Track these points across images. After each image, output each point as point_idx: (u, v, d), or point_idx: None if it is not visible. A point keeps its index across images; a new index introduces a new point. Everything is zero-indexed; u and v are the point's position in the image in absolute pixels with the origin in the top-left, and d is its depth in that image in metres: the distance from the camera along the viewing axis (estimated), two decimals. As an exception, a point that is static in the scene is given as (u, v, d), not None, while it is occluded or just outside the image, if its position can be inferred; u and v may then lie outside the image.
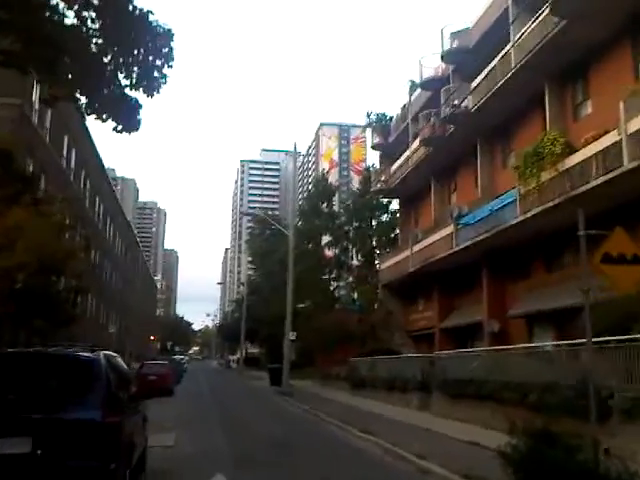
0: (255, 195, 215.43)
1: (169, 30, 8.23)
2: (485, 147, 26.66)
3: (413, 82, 32.42)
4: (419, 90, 32.30)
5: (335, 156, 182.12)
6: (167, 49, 8.17)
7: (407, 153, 33.25)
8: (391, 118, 36.86)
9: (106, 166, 65.81)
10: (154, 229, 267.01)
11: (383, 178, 36.38)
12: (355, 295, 51.85)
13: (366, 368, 26.27)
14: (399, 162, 34.47)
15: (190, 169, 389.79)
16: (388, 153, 37.22)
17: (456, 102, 25.32)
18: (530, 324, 23.79)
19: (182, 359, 63.79)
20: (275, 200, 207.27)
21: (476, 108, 24.72)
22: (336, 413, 18.65)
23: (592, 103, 19.69)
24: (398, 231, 49.52)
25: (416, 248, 31.37)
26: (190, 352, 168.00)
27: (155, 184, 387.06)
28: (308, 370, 42.15)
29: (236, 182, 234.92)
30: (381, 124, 36.70)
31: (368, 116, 37.02)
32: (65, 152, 33.17)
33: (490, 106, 24.15)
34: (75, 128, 34.65)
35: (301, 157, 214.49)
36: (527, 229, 21.20)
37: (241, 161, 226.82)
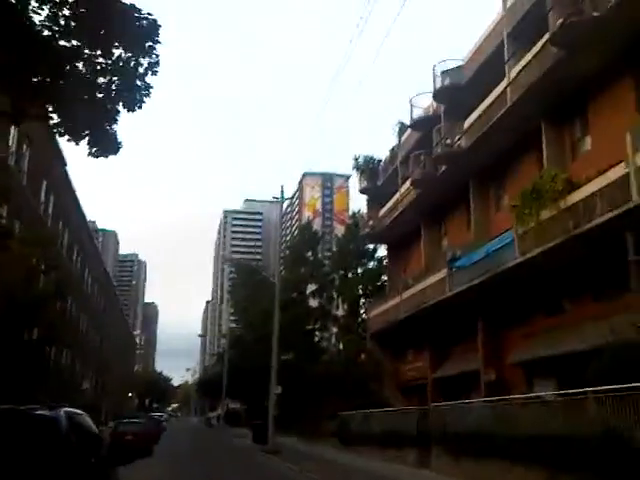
0: (238, 245, 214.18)
1: (154, 21, 7.18)
2: (478, 188, 25.93)
3: (402, 124, 31.94)
4: (409, 131, 31.80)
5: (318, 205, 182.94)
6: (151, 45, 7.09)
7: (396, 196, 32.51)
8: (379, 161, 36.24)
9: (87, 218, 64.65)
10: (134, 282, 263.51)
11: (371, 223, 35.49)
12: (341, 346, 50.18)
13: (357, 422, 24.70)
14: (388, 206, 33.69)
15: (171, 220, 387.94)
16: (376, 197, 36.47)
17: (448, 141, 24.65)
18: (529, 372, 22.51)
19: (161, 416, 61.07)
20: (258, 250, 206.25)
21: (469, 147, 24.09)
22: (329, 474, 17.11)
23: (592, 139, 19.04)
24: (386, 278, 48.70)
25: (406, 295, 30.26)
26: (169, 409, 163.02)
27: (136, 236, 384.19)
28: (294, 425, 40.23)
29: (219, 232, 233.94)
30: (369, 167, 36.03)
31: (356, 159, 36.35)
32: (43, 198, 31.99)
33: (483, 145, 23.54)
34: (55, 173, 33.61)
35: (285, 206, 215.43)
36: (526, 271, 20.19)
37: (224, 211, 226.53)
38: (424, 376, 30.29)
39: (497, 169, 24.87)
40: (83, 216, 44.34)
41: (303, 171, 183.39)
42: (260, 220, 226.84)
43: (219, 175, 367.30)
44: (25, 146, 28.11)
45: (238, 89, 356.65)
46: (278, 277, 31.71)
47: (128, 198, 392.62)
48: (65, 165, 35.36)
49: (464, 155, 24.56)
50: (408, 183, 31.32)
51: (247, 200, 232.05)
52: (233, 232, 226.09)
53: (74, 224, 39.27)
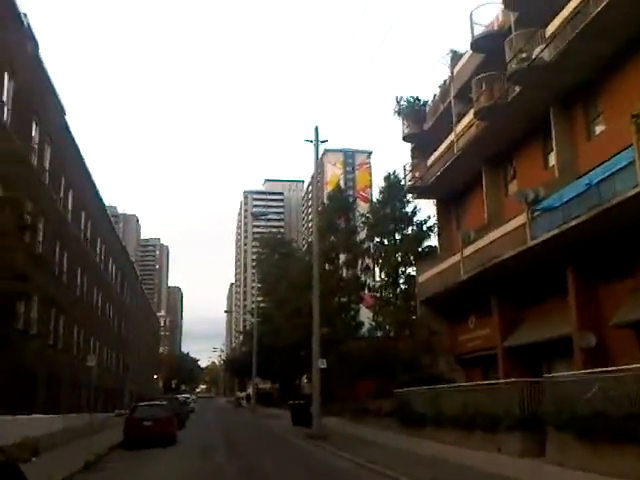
0: (259, 226, 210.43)
1: None
2: (562, 113, 21.19)
3: (455, 52, 27.07)
4: (464, 60, 26.91)
5: (340, 183, 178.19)
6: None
7: (450, 138, 27.80)
8: (425, 103, 31.44)
9: (107, 203, 61.01)
10: (157, 266, 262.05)
11: (417, 174, 30.78)
12: (381, 318, 45.63)
13: (423, 401, 20.24)
14: (439, 151, 28.97)
15: (192, 204, 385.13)
16: (422, 144, 31.76)
17: (524, 55, 19.80)
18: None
19: (187, 398, 57.37)
20: (280, 231, 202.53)
21: (553, 60, 19.27)
22: (406, 467, 12.77)
23: None
24: (428, 244, 44.02)
25: (468, 251, 25.66)
26: (197, 390, 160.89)
27: (157, 221, 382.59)
28: (334, 405, 35.97)
29: (239, 214, 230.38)
30: (414, 109, 31.22)
31: (398, 101, 31.50)
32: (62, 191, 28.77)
33: (573, 56, 18.72)
34: (72, 165, 30.20)
35: (305, 184, 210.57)
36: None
37: (244, 192, 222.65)
38: (491, 345, 25.75)
39: (589, 85, 20.03)
40: (99, 197, 40.58)
41: (324, 148, 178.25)
42: (282, 200, 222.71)
43: (239, 157, 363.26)
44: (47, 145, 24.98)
45: (257, 69, 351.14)
46: (316, 235, 27.20)
47: (149, 184, 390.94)
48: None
49: (546, 70, 19.72)
50: (466, 119, 26.60)
51: (267, 180, 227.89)
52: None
53: (87, 203, 35.57)
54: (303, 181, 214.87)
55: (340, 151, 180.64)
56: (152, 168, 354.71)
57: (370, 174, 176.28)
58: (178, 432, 25.89)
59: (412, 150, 32.91)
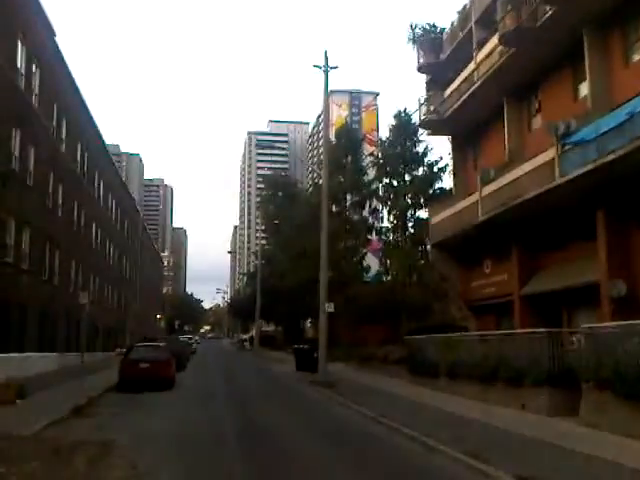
0: (263, 168, 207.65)
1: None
2: (597, 37, 19.18)
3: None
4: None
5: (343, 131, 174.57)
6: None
7: (469, 67, 25.67)
8: (442, 31, 29.08)
9: (110, 142, 58.94)
10: (161, 206, 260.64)
11: (432, 107, 28.70)
12: (388, 262, 44.20)
13: (437, 350, 18.94)
14: (457, 82, 26.84)
15: (196, 144, 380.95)
16: (438, 77, 29.54)
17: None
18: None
19: (190, 339, 56.79)
20: (284, 174, 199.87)
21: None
22: (422, 424, 11.49)
23: None
24: (440, 185, 42.24)
25: (487, 191, 23.94)
26: (201, 331, 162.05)
27: (161, 161, 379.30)
28: (337, 350, 35.00)
29: (243, 155, 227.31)
30: (430, 38, 28.87)
31: (412, 28, 29.15)
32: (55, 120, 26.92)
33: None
34: (65, 93, 28.34)
35: (310, 127, 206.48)
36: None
37: (248, 133, 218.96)
38: (507, 292, 24.38)
39: (629, 5, 17.89)
40: (96, 128, 38.63)
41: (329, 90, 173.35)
42: (286, 142, 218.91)
43: (244, 98, 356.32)
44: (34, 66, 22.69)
45: (260, 8, 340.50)
46: (326, 167, 25.48)
47: (153, 124, 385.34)
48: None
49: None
50: (488, 47, 24.41)
51: (272, 121, 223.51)
52: (258, 154, 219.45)
53: (83, 133, 33.70)
54: (308, 123, 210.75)
55: (346, 92, 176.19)
56: (156, 108, 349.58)
57: (377, 116, 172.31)
58: (178, 374, 24.90)
59: (427, 82, 30.67)
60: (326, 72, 23.19)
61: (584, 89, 20.46)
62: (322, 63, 23.89)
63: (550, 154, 19.24)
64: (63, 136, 29.05)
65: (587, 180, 17.58)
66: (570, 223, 21.09)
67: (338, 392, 18.33)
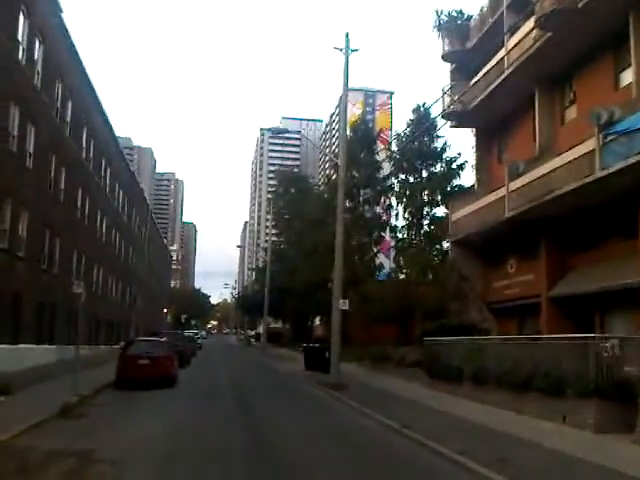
0: (275, 165, 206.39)
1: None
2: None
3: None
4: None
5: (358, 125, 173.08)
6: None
7: (499, 55, 24.12)
8: (469, 18, 27.53)
9: (122, 135, 57.54)
10: (171, 200, 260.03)
11: (457, 98, 27.13)
12: (402, 261, 42.64)
13: (460, 353, 17.42)
14: (485, 70, 25.29)
15: (209, 140, 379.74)
16: (463, 66, 28.01)
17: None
18: None
19: (195, 334, 55.52)
20: (296, 171, 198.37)
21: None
22: (454, 438, 10.03)
23: None
24: (459, 182, 40.73)
25: (515, 185, 22.39)
26: (208, 326, 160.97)
27: (173, 155, 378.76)
28: (348, 350, 33.55)
29: (255, 151, 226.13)
30: (456, 24, 27.32)
31: (438, 14, 27.59)
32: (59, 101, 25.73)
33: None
34: (71, 74, 27.32)
35: (324, 125, 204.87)
36: None
37: (261, 129, 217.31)
38: (532, 293, 22.85)
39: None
40: (104, 114, 37.39)
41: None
42: (299, 139, 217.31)
43: (258, 95, 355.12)
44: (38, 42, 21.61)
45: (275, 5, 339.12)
46: (343, 157, 23.99)
47: (166, 118, 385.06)
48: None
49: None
50: (520, 34, 22.87)
51: (284, 118, 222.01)
52: (270, 151, 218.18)
53: (90, 118, 32.44)
54: (322, 120, 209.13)
55: (361, 90, 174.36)
56: (170, 103, 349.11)
57: (391, 115, 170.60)
58: (181, 371, 23.59)
59: (451, 72, 29.09)
60: (347, 55, 21.68)
61: (627, 77, 18.90)
62: (345, 34, 22.14)
63: (589, 145, 17.69)
64: (68, 119, 27.71)
65: (633, 172, 16.05)
66: (606, 220, 19.58)
67: (353, 397, 16.84)
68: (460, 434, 10.86)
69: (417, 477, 8.42)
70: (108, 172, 38.11)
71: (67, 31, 26.28)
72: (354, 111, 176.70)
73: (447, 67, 29.79)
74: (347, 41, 21.83)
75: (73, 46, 27.95)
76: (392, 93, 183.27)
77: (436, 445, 9.88)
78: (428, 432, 10.65)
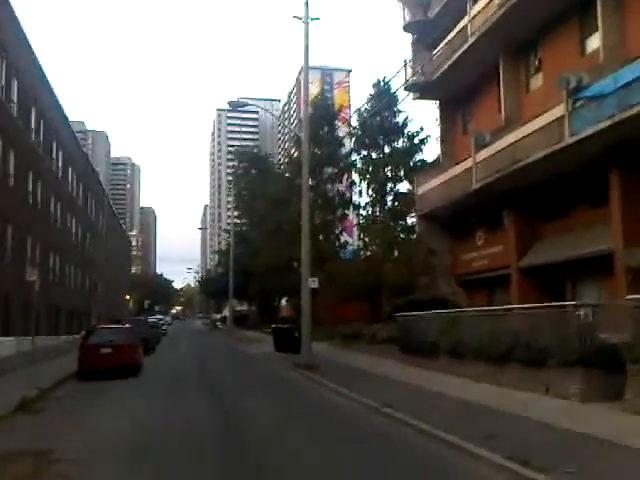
0: (234, 147, 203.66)
1: None
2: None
3: None
4: None
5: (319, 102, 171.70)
6: None
7: (462, 23, 23.66)
8: (431, -14, 26.94)
9: (75, 119, 55.03)
10: (129, 185, 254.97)
11: (419, 69, 26.62)
12: (367, 238, 42.28)
13: (435, 328, 17.09)
14: (447, 39, 24.83)
15: (165, 123, 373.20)
16: (425, 37, 27.50)
17: None
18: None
19: (160, 320, 54.38)
20: (255, 151, 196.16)
21: None
22: (438, 416, 9.60)
23: None
24: (421, 157, 40.41)
25: (481, 156, 22.11)
26: (172, 311, 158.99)
27: (128, 140, 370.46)
28: (318, 329, 33.10)
29: (212, 133, 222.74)
30: (417, -8, 26.74)
31: (399, -16, 26.99)
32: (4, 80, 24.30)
33: None
34: (16, 51, 25.64)
35: (281, 105, 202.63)
36: None
37: (217, 110, 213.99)
38: (502, 265, 22.71)
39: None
40: (53, 94, 35.60)
41: (300, 66, 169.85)
42: (256, 120, 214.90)
43: (214, 75, 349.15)
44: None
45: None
46: (306, 130, 23.25)
47: (120, 101, 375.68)
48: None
49: None
50: (483, 1, 22.46)
51: (242, 98, 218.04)
52: (229, 132, 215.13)
53: (38, 98, 30.80)
54: (279, 100, 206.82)
55: (318, 69, 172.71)
56: (123, 85, 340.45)
57: (348, 93, 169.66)
58: (146, 358, 22.79)
59: (413, 43, 28.55)
60: (306, 23, 20.85)
61: (593, 43, 18.66)
62: (304, 2, 21.22)
63: (558, 112, 17.43)
64: (14, 97, 26.20)
65: (603, 139, 15.82)
66: (576, 188, 19.44)
67: (325, 375, 16.41)
68: (444, 411, 10.46)
69: (406, 462, 7.92)
70: (60, 155, 36.50)
71: (9, 4, 24.73)
72: (312, 90, 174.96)
73: (409, 39, 29.25)
74: (306, 9, 21.03)
75: (16, 19, 26.39)
76: (350, 71, 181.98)
77: (417, 422, 9.46)
78: (412, 410, 10.21)
